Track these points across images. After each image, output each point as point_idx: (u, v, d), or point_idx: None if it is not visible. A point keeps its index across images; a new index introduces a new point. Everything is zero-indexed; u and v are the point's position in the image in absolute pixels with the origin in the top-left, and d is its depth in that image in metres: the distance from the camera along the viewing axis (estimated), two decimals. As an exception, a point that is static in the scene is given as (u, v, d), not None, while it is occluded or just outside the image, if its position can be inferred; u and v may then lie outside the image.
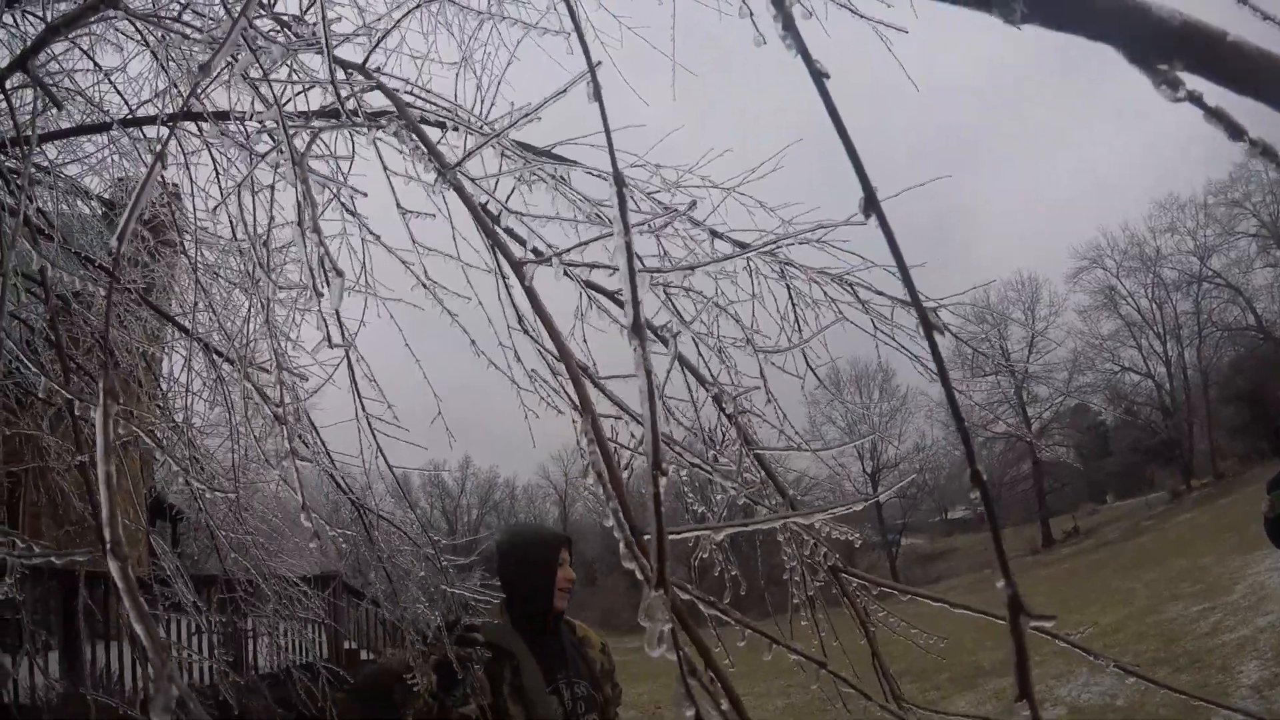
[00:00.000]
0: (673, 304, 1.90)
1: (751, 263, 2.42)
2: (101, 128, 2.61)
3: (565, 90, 0.84)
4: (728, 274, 2.35)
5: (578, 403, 0.61)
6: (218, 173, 2.63)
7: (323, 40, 1.19)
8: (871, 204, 0.52)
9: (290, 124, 1.20)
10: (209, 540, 5.05)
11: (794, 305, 2.65)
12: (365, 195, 1.58)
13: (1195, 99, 0.41)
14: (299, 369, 2.09)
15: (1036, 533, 40.83)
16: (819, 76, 0.53)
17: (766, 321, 2.69)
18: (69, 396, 1.73)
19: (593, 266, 1.72)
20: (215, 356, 2.73)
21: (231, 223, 2.39)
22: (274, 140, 1.53)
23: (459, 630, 2.56)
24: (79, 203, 2.98)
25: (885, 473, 47.37)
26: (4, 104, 2.03)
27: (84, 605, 5.91)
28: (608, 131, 0.70)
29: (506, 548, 2.68)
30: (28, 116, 2.12)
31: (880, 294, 2.59)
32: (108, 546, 0.44)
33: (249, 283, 2.15)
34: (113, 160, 3.11)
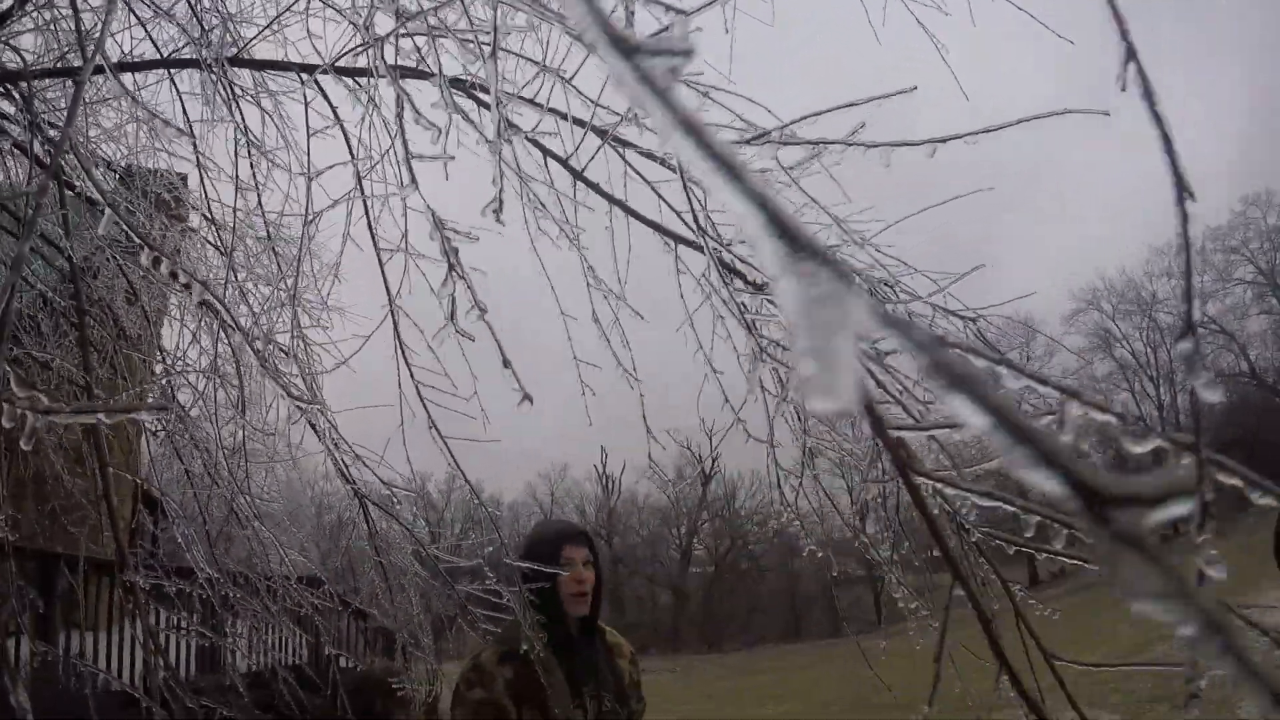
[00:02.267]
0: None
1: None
2: (159, 64, 2.48)
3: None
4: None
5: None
6: (242, 132, 2.53)
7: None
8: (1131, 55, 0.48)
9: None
10: (200, 530, 4.89)
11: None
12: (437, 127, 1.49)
13: None
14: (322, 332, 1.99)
15: (1023, 573, 40.73)
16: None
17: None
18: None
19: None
20: (229, 329, 2.62)
21: (259, 186, 2.30)
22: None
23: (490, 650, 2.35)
24: (96, 169, 2.88)
25: (874, 505, 47.16)
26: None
27: (64, 590, 5.74)
28: None
29: (523, 547, 2.49)
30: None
31: (919, 298, 2.52)
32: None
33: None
34: (133, 128, 3.01)
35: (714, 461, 46.26)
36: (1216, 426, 38.47)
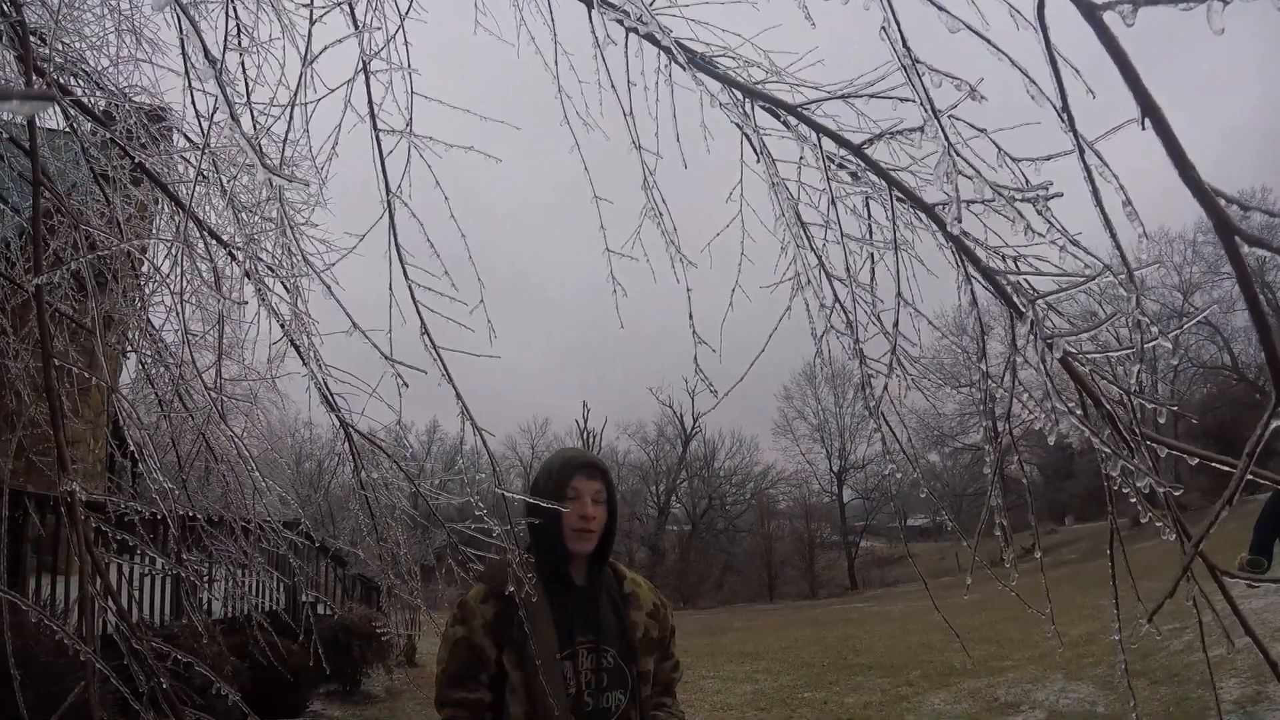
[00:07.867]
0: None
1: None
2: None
3: None
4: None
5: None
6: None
7: None
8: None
9: None
10: (175, 473, 4.67)
11: (870, 232, 2.39)
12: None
13: None
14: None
15: (996, 546, 41.16)
16: None
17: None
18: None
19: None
20: (210, 240, 2.38)
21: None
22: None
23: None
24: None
25: (851, 473, 47.93)
26: None
27: (31, 531, 5.51)
28: None
29: (533, 478, 2.22)
30: None
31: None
32: None
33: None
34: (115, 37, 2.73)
35: (695, 421, 46.50)
36: (1194, 415, 38.79)
